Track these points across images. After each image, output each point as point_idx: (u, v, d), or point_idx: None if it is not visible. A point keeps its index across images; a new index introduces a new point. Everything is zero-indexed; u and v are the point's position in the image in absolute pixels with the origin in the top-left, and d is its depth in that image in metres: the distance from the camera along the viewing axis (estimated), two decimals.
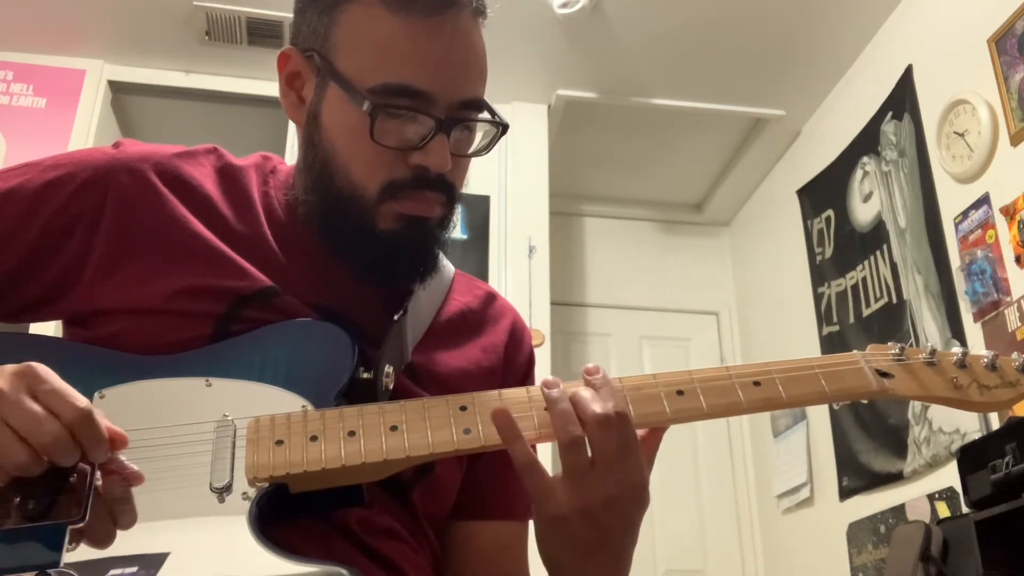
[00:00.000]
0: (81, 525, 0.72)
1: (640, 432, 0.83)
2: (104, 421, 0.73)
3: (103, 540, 0.73)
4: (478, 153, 0.94)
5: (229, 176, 0.96)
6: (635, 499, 0.79)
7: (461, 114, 0.89)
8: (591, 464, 0.77)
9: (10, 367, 0.72)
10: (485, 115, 0.92)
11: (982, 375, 0.89)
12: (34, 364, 0.73)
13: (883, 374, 0.88)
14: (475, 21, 0.91)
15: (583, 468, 0.77)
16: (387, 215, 0.89)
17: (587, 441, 0.78)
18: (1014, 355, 0.90)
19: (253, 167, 0.98)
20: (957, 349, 0.91)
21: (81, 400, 0.72)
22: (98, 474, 0.74)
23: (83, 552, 0.72)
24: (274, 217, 0.95)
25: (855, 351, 0.90)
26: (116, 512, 0.74)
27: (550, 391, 0.80)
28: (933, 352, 0.90)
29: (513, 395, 0.84)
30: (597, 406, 0.78)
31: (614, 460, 0.78)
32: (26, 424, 0.69)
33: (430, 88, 0.86)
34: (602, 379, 0.82)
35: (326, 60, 0.89)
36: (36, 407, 0.70)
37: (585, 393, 0.80)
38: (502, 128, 0.93)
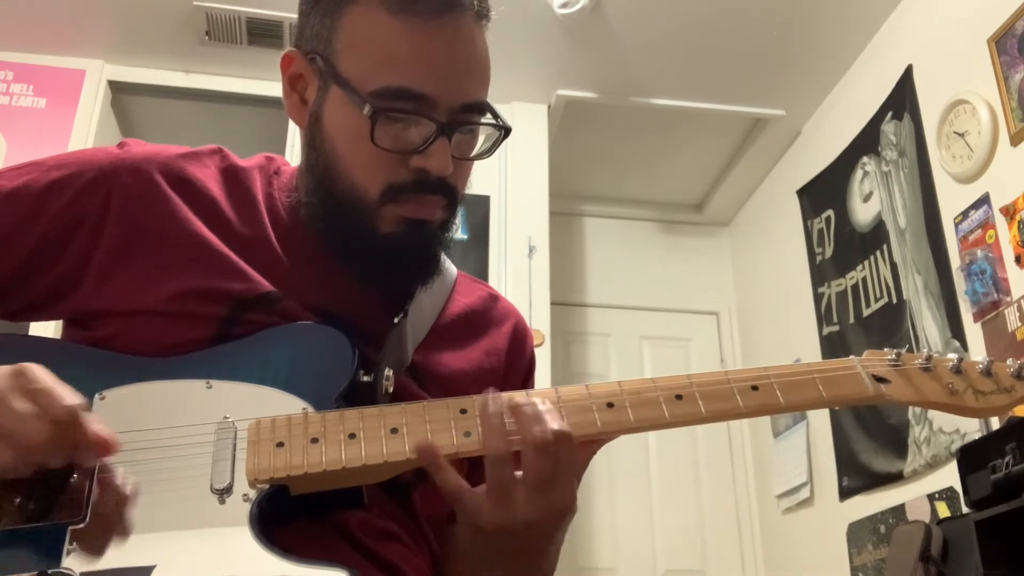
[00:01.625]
0: (81, 526, 0.72)
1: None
2: (95, 424, 0.73)
3: (104, 541, 0.73)
4: (480, 156, 0.94)
5: (233, 177, 0.96)
6: (559, 521, 0.80)
7: (463, 117, 0.89)
8: (520, 482, 0.77)
9: (4, 367, 0.72)
10: (487, 118, 0.91)
11: (977, 381, 0.90)
12: (28, 364, 0.73)
13: (880, 380, 0.89)
14: (477, 24, 0.90)
15: (507, 484, 0.77)
16: (388, 218, 0.89)
17: (523, 460, 0.77)
18: (1009, 361, 0.91)
19: (257, 168, 0.98)
20: (953, 355, 0.92)
21: (68, 399, 0.71)
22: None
23: (79, 558, 0.72)
24: (278, 219, 0.95)
25: (852, 357, 0.91)
26: (117, 513, 0.74)
27: (486, 404, 0.80)
28: (929, 358, 0.91)
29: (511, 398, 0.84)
30: (536, 428, 0.77)
31: (544, 485, 0.77)
32: (10, 423, 0.69)
33: (431, 91, 0.86)
34: (539, 406, 0.79)
35: (328, 63, 0.89)
36: (23, 406, 0.70)
37: (528, 410, 0.79)
38: (504, 131, 0.93)
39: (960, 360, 0.90)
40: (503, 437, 0.78)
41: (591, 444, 0.84)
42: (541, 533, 0.80)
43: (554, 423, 0.78)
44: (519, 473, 0.78)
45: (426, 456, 0.79)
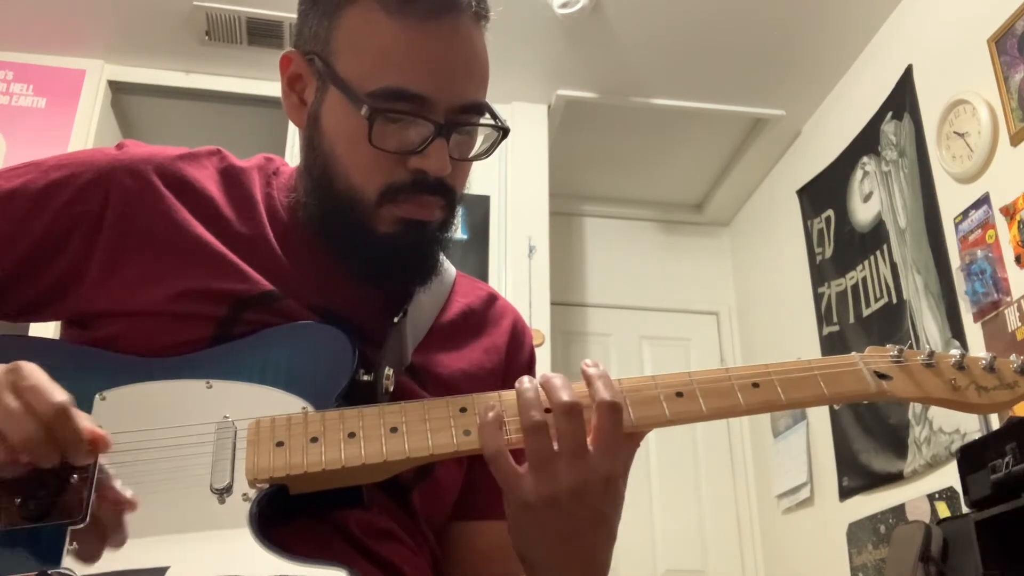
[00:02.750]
0: (82, 526, 0.73)
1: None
2: (85, 422, 0.73)
3: (104, 541, 0.73)
4: (479, 157, 0.94)
5: (232, 178, 0.96)
6: (604, 491, 0.79)
7: (461, 118, 0.89)
8: (557, 452, 0.77)
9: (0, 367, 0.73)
10: (486, 119, 0.91)
11: (980, 377, 0.90)
12: (22, 362, 0.73)
13: (881, 376, 0.88)
14: (476, 24, 0.90)
15: (546, 455, 0.77)
16: (386, 219, 0.89)
17: (554, 429, 0.78)
18: (1012, 357, 0.91)
19: (256, 168, 0.99)
20: (955, 351, 0.91)
21: (58, 396, 0.71)
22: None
23: (79, 558, 0.72)
24: (276, 219, 0.95)
25: (854, 353, 0.90)
26: (117, 513, 0.74)
27: (522, 383, 0.81)
28: (931, 354, 0.90)
29: (512, 396, 0.84)
30: (564, 394, 0.78)
31: (580, 450, 0.77)
32: (4, 422, 0.70)
33: (429, 92, 0.86)
34: (598, 371, 0.82)
35: (326, 63, 0.89)
36: (13, 403, 0.70)
37: (556, 381, 0.80)
38: (503, 132, 0.93)
39: (963, 356, 0.90)
40: (537, 408, 0.78)
41: (637, 436, 0.85)
42: (588, 508, 0.79)
43: (594, 391, 0.79)
44: (555, 446, 0.78)
45: (487, 415, 0.79)
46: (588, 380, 0.81)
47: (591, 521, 0.80)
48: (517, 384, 0.81)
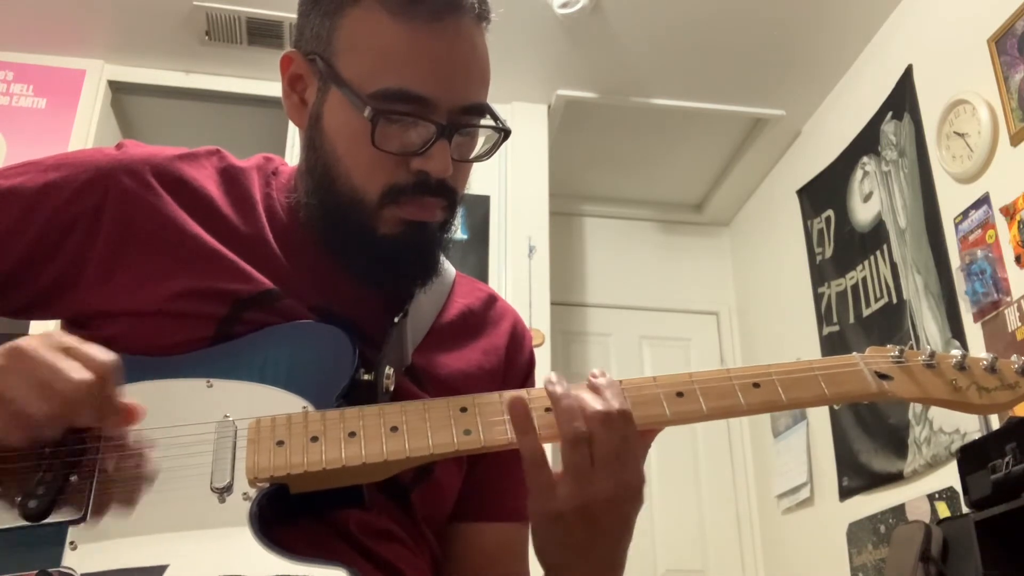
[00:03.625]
0: (82, 525, 0.73)
1: None
2: (124, 394, 0.76)
3: (104, 539, 0.73)
4: (480, 158, 0.94)
5: (231, 178, 0.96)
6: (633, 499, 0.80)
7: (463, 119, 0.89)
8: (592, 462, 0.78)
9: (28, 337, 0.74)
10: (487, 120, 0.91)
11: (981, 377, 0.89)
12: (56, 332, 0.76)
13: (882, 376, 0.88)
14: (478, 26, 0.90)
15: (585, 466, 0.78)
16: (388, 220, 0.89)
17: (590, 439, 0.78)
18: (1013, 357, 0.91)
19: (255, 168, 0.99)
20: (956, 351, 0.91)
21: (102, 358, 0.74)
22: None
23: (79, 557, 0.72)
24: (276, 219, 0.95)
25: (854, 353, 0.90)
26: (117, 512, 0.75)
27: (555, 387, 0.81)
28: (932, 354, 0.90)
29: (513, 396, 0.84)
30: (600, 404, 0.79)
31: (615, 459, 0.78)
32: (49, 377, 0.71)
33: (431, 93, 0.86)
34: (607, 381, 0.82)
35: (328, 64, 0.89)
36: (61, 363, 0.72)
37: (588, 393, 0.80)
38: (504, 133, 0.93)
39: (964, 356, 0.90)
40: (578, 416, 0.78)
41: (652, 432, 0.85)
42: (618, 515, 0.79)
43: (616, 400, 0.79)
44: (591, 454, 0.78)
45: (517, 412, 0.79)
46: (597, 390, 0.81)
47: (619, 527, 0.81)
48: (550, 390, 0.81)
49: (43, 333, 0.75)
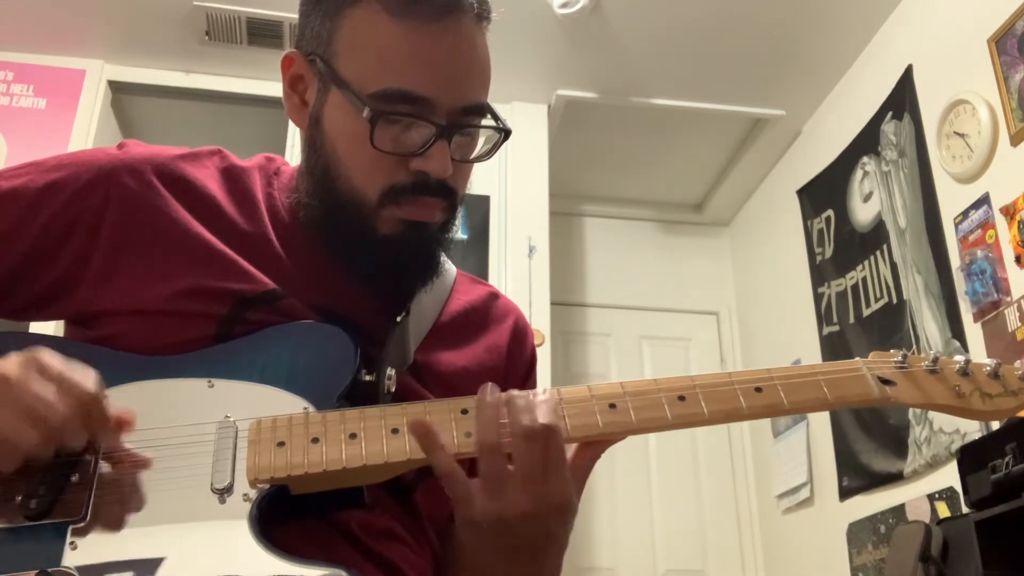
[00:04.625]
0: (82, 524, 0.73)
1: (572, 447, 0.82)
2: (115, 408, 0.76)
3: (104, 539, 0.73)
4: (480, 158, 0.94)
5: (233, 177, 0.96)
6: (556, 516, 0.79)
7: (462, 120, 0.89)
8: (509, 475, 0.77)
9: (15, 356, 0.75)
10: (487, 120, 0.91)
11: (985, 383, 0.89)
12: (39, 352, 0.75)
13: (885, 381, 0.88)
14: (478, 26, 0.90)
15: (498, 477, 0.77)
16: (388, 220, 0.89)
17: (508, 450, 0.78)
18: (1017, 364, 0.90)
19: (257, 168, 0.99)
20: (960, 357, 0.91)
21: (90, 382, 0.74)
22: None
23: (79, 557, 0.72)
24: (278, 219, 0.95)
25: (857, 358, 0.90)
26: (117, 512, 0.75)
27: (483, 396, 0.80)
28: (936, 360, 0.90)
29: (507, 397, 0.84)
30: (526, 417, 0.78)
31: (536, 475, 0.77)
32: (37, 406, 0.71)
33: (431, 94, 0.86)
34: (543, 397, 0.81)
35: (328, 65, 0.89)
36: (46, 391, 0.72)
37: (520, 402, 0.79)
38: (504, 133, 0.93)
39: (967, 362, 0.89)
40: (496, 428, 0.78)
41: (595, 446, 0.84)
42: (538, 529, 0.79)
43: (543, 416, 0.78)
44: (511, 467, 0.78)
45: (419, 430, 0.78)
46: (530, 405, 0.79)
47: (541, 540, 0.80)
48: (479, 393, 0.81)
49: (26, 353, 0.75)
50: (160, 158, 0.93)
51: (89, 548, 0.73)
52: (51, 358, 0.74)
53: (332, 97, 0.89)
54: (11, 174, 0.91)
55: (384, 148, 0.86)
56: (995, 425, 2.44)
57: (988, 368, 0.90)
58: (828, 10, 3.23)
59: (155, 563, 0.72)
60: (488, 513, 0.77)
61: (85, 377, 0.75)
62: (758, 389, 0.86)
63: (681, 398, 0.84)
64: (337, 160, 0.89)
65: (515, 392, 0.81)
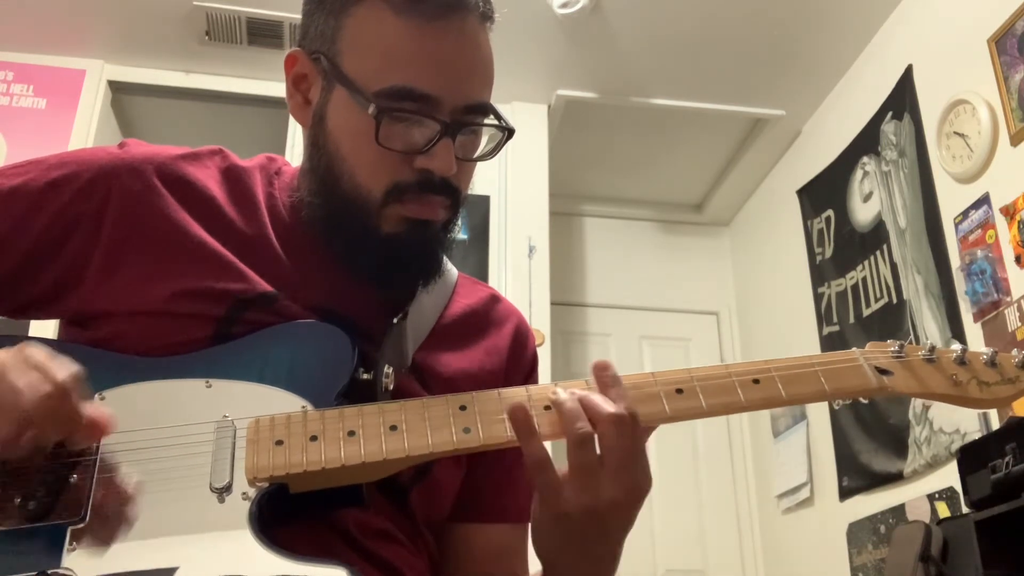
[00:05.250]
0: (81, 526, 0.73)
1: None
2: (90, 407, 0.75)
3: (104, 540, 0.73)
4: (483, 157, 0.94)
5: (233, 177, 0.96)
6: (640, 502, 0.80)
7: (467, 118, 0.89)
8: (600, 463, 0.77)
9: (4, 350, 0.75)
10: (491, 119, 0.91)
11: (982, 371, 0.89)
12: (27, 345, 0.75)
13: (882, 371, 0.88)
14: (482, 25, 0.91)
15: (591, 467, 0.77)
16: (391, 218, 0.89)
17: (597, 440, 0.78)
18: (1014, 351, 0.90)
19: (258, 168, 0.99)
20: (956, 346, 0.91)
21: (60, 375, 0.73)
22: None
23: (79, 558, 0.72)
24: (278, 219, 0.95)
25: (854, 349, 0.90)
26: (117, 513, 0.74)
27: (557, 395, 0.81)
28: (932, 349, 0.90)
29: (512, 394, 0.84)
30: (610, 406, 0.79)
31: (627, 463, 0.78)
32: (7, 396, 0.71)
33: (435, 92, 0.86)
34: (613, 377, 0.82)
35: (332, 63, 0.89)
36: (17, 382, 0.72)
37: (596, 395, 0.80)
38: (508, 132, 0.92)
39: (964, 351, 0.90)
40: (583, 419, 0.78)
41: None
42: (623, 515, 0.80)
43: (627, 404, 0.79)
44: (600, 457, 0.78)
45: (518, 415, 0.78)
46: (606, 390, 0.81)
47: (621, 527, 0.81)
48: (551, 395, 0.81)
49: (15, 348, 0.75)
50: (161, 158, 0.93)
51: (88, 549, 0.73)
52: (32, 352, 0.74)
53: (336, 95, 0.89)
54: (12, 172, 0.91)
55: (389, 145, 0.86)
56: (995, 424, 2.44)
57: (985, 356, 0.90)
58: (828, 10, 3.23)
59: (155, 563, 0.72)
60: (579, 505, 0.77)
61: (60, 369, 0.74)
62: (756, 381, 0.86)
63: (679, 391, 0.85)
64: (341, 158, 0.89)
65: (582, 385, 0.82)
